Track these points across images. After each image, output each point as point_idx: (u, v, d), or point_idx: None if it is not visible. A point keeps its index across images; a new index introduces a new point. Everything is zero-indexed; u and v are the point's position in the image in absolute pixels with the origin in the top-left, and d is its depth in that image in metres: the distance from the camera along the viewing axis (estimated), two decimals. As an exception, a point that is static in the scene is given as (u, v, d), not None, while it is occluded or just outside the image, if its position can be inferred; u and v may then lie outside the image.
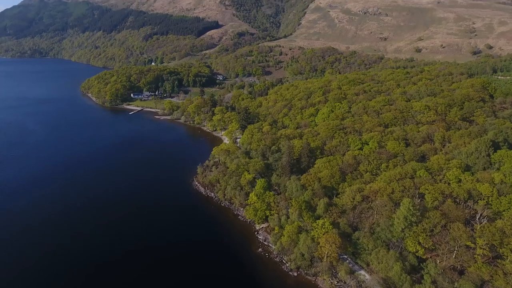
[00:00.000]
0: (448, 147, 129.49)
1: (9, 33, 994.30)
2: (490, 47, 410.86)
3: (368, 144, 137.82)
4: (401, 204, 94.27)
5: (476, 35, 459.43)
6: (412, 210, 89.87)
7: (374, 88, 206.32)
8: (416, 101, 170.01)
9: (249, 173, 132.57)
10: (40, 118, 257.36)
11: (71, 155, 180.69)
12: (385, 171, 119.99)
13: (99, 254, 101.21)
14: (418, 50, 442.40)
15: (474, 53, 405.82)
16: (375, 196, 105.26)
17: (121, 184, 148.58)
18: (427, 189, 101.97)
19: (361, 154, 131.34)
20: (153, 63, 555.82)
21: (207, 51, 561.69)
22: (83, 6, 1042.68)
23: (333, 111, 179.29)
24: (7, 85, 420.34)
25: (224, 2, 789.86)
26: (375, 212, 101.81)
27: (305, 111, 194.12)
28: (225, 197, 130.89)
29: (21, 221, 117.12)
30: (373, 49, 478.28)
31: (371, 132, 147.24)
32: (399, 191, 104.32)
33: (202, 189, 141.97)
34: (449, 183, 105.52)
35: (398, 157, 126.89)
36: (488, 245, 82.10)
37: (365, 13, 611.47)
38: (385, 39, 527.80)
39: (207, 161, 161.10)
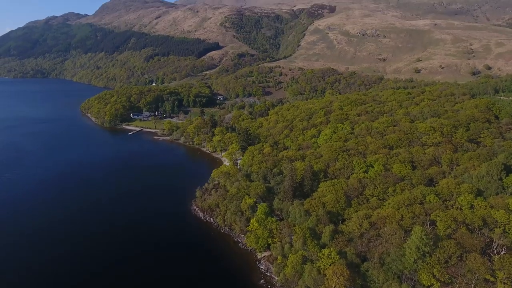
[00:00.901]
0: (457, 170, 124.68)
1: (13, 54, 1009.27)
2: (489, 68, 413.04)
3: (373, 167, 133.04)
4: (412, 232, 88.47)
5: (474, 56, 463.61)
6: (424, 239, 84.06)
7: (376, 108, 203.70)
8: (420, 122, 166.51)
9: (250, 197, 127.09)
10: (37, 139, 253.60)
11: (66, 177, 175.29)
12: (393, 195, 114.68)
13: (93, 280, 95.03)
14: (417, 71, 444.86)
15: (473, 73, 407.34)
16: (384, 223, 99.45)
17: (116, 207, 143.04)
18: (438, 216, 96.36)
19: (367, 178, 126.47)
20: (153, 84, 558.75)
21: (207, 72, 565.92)
22: (87, 28, 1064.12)
23: (335, 132, 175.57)
24: (6, 104, 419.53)
25: (224, 24, 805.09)
26: (384, 241, 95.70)
27: (306, 132, 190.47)
28: (225, 222, 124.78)
29: (10, 251, 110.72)
30: (372, 70, 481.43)
31: (375, 154, 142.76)
32: (409, 218, 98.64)
33: (201, 214, 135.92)
34: (461, 209, 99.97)
35: (406, 181, 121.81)
36: (510, 279, 75.83)
37: (363, 35, 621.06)
38: (384, 60, 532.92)
39: (206, 184, 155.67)
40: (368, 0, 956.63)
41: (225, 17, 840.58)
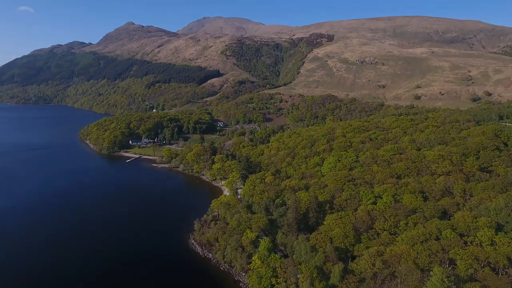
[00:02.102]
0: (471, 201, 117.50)
1: (16, 81, 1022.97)
2: (489, 94, 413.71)
3: (382, 198, 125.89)
4: (432, 274, 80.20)
5: (473, 82, 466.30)
6: (446, 282, 75.81)
7: (381, 135, 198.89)
8: (427, 150, 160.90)
9: (252, 231, 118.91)
10: (31, 166, 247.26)
11: (55, 207, 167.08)
12: (405, 229, 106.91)
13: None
14: (418, 97, 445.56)
15: (474, 100, 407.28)
16: (398, 262, 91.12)
17: (109, 238, 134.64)
18: (458, 254, 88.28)
19: (376, 210, 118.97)
20: (154, 110, 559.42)
21: (208, 99, 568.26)
22: (90, 56, 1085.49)
23: (339, 161, 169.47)
24: (5, 130, 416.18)
25: (225, 52, 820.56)
26: (400, 282, 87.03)
27: (309, 160, 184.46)
28: (225, 259, 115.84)
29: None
30: (372, 97, 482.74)
31: (383, 184, 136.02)
32: (425, 256, 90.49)
33: (199, 249, 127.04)
34: (482, 246, 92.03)
35: (417, 213, 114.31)
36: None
37: (362, 62, 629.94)
38: (384, 86, 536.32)
39: (205, 215, 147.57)
40: (365, 29, 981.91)
41: (226, 45, 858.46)
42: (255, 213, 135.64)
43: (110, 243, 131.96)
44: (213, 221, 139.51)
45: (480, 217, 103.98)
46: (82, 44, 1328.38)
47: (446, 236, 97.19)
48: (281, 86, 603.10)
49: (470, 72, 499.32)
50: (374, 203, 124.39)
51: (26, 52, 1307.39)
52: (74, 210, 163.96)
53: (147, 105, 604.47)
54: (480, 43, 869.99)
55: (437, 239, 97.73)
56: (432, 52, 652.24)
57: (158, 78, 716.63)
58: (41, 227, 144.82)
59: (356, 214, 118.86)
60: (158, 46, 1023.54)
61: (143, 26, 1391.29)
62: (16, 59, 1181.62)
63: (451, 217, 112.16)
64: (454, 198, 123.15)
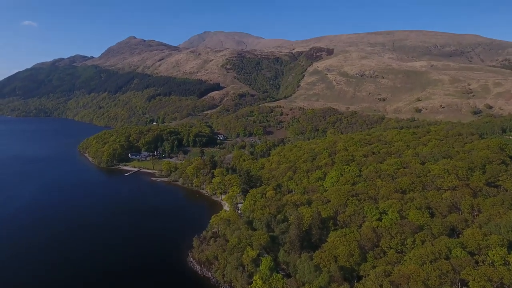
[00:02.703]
0: (480, 217, 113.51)
1: (18, 94, 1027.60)
2: (490, 107, 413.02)
3: (387, 214, 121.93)
4: (443, 297, 75.90)
5: (473, 95, 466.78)
6: (459, 306, 71.48)
7: (383, 149, 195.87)
8: (431, 164, 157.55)
9: (253, 249, 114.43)
10: (27, 179, 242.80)
11: (49, 221, 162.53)
12: (413, 247, 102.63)
13: None
14: (418, 110, 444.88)
15: (475, 113, 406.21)
16: (407, 282, 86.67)
17: (104, 255, 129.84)
18: (470, 275, 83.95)
19: (381, 226, 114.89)
20: (154, 123, 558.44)
21: (208, 112, 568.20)
22: (91, 70, 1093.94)
23: (342, 175, 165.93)
24: (3, 143, 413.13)
25: (225, 66, 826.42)
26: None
27: (311, 174, 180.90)
28: (225, 278, 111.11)
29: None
30: (372, 110, 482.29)
31: (388, 199, 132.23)
32: (436, 277, 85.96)
33: (197, 267, 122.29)
34: (494, 266, 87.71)
35: (425, 230, 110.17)
36: None
37: (361, 76, 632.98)
38: (384, 99, 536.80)
39: (204, 231, 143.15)
40: (364, 43, 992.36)
41: (226, 59, 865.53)
42: (256, 229, 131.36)
43: (106, 260, 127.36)
44: (212, 238, 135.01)
45: (491, 234, 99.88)
46: (84, 57, 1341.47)
47: (456, 255, 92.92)
48: (282, 99, 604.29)
49: (470, 85, 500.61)
50: (379, 219, 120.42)
51: (29, 65, 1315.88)
52: (69, 225, 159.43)
53: (147, 118, 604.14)
54: (478, 57, 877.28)
55: (447, 258, 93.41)
56: (432, 66, 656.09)
57: (158, 91, 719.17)
58: (33, 244, 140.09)
59: (361, 231, 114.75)
60: (159, 60, 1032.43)
61: (144, 40, 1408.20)
62: (18, 72, 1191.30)
63: (460, 235, 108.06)
64: (462, 214, 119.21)
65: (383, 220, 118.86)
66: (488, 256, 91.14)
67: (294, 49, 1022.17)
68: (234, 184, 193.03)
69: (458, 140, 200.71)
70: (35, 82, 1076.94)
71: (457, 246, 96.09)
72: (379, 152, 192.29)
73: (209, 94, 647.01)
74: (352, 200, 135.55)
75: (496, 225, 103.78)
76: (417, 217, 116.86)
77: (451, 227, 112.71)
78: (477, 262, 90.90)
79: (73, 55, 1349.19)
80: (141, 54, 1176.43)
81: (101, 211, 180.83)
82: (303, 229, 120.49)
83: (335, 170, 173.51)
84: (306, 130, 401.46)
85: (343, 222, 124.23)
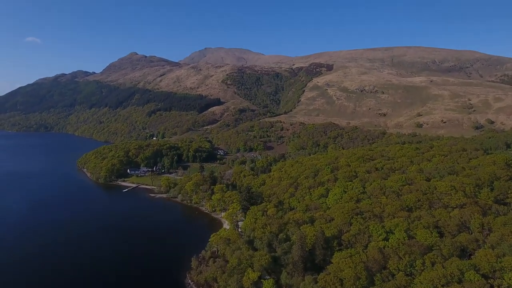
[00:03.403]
0: (492, 237, 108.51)
1: (19, 109, 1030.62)
2: (492, 122, 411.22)
3: (394, 233, 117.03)
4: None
5: (474, 110, 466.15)
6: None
7: (387, 165, 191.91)
8: (437, 181, 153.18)
9: (254, 271, 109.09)
10: (22, 195, 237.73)
11: (43, 243, 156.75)
12: (422, 270, 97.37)
13: None
14: (419, 125, 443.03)
15: (476, 127, 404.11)
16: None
17: (99, 275, 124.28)
18: (486, 301, 78.82)
19: (388, 247, 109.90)
20: (154, 138, 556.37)
21: (208, 127, 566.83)
22: (93, 85, 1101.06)
23: (346, 192, 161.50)
24: (0, 158, 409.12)
25: (226, 81, 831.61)
26: (422, 333, 77.00)
27: (313, 191, 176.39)
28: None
29: None
30: (373, 125, 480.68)
31: (394, 217, 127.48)
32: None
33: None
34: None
35: (434, 251, 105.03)
36: None
37: (361, 91, 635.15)
38: (384, 115, 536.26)
39: (203, 251, 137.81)
40: (363, 59, 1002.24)
41: (227, 74, 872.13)
42: (257, 249, 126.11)
43: (100, 280, 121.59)
44: (211, 258, 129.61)
45: (504, 256, 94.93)
46: (86, 73, 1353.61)
47: (470, 279, 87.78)
48: (282, 114, 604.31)
49: (470, 100, 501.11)
50: (386, 239, 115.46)
51: (31, 80, 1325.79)
52: (62, 245, 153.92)
53: (147, 133, 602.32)
54: (477, 72, 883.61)
55: (460, 282, 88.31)
56: (431, 81, 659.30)
57: (159, 106, 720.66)
58: (23, 264, 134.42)
59: (367, 251, 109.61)
60: (160, 75, 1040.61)
61: (146, 56, 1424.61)
62: (20, 87, 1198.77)
63: (472, 256, 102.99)
64: (472, 233, 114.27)
65: (389, 240, 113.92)
66: (504, 280, 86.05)
67: (294, 64, 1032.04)
68: (234, 201, 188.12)
69: (462, 156, 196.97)
70: (37, 97, 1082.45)
71: (470, 269, 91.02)
72: (383, 168, 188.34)
73: (209, 109, 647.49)
74: (356, 219, 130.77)
75: (509, 246, 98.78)
76: (426, 236, 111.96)
77: (462, 247, 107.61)
78: (492, 287, 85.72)
79: (75, 70, 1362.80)
80: (142, 69, 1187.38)
81: (96, 228, 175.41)
82: (306, 249, 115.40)
83: (338, 186, 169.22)
84: (307, 145, 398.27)
85: (348, 242, 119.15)
